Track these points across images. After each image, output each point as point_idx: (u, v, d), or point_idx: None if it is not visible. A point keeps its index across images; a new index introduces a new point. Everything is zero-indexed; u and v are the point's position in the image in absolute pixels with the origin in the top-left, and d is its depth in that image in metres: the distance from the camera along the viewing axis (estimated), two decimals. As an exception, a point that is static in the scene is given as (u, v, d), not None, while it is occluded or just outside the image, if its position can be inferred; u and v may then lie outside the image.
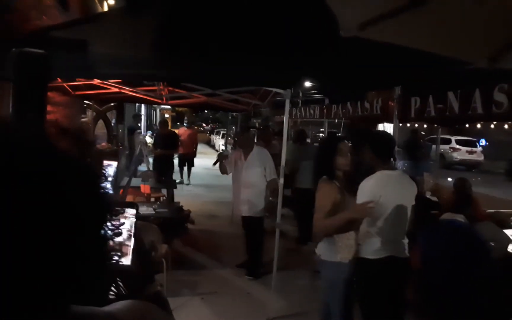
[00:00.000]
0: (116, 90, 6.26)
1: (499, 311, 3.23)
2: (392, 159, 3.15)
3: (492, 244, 3.69)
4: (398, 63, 3.26)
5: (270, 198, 5.09)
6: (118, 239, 0.79)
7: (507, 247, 3.93)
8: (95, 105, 9.29)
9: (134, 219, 0.94)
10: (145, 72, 4.24)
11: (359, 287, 3.02)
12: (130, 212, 0.93)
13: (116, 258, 0.59)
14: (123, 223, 0.67)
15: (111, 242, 0.58)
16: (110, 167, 3.05)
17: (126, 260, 0.91)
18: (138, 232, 0.97)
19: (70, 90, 6.09)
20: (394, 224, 2.97)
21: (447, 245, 3.63)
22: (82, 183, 0.53)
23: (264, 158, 5.10)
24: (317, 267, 3.18)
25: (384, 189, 2.90)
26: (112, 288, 0.91)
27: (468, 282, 3.44)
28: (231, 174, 5.57)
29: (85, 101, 8.64)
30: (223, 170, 5.58)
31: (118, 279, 0.88)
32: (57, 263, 0.48)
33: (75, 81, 5.73)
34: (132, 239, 0.93)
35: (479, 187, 8.02)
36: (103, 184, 0.58)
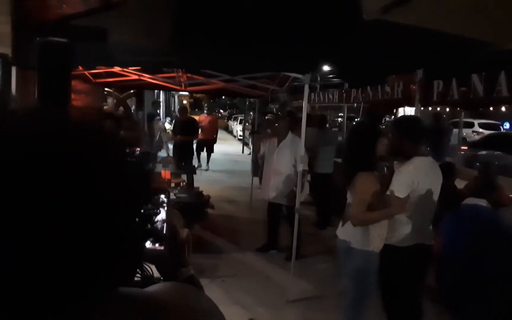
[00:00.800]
0: (136, 77, 6.32)
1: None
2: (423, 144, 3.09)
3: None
4: (420, 46, 3.19)
5: (294, 188, 5.05)
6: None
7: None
8: (115, 92, 9.42)
9: (166, 205, 0.97)
10: (165, 59, 4.27)
11: (385, 275, 3.01)
12: (162, 197, 0.96)
13: (151, 243, 0.61)
14: (160, 210, 0.69)
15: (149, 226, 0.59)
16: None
17: (160, 245, 0.94)
18: (170, 217, 1.00)
19: (91, 78, 6.19)
20: (424, 212, 2.93)
21: (469, 230, 3.58)
22: (122, 164, 0.54)
23: (296, 146, 5.07)
24: (340, 254, 3.05)
25: (421, 177, 2.86)
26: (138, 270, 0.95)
27: (490, 267, 3.39)
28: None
29: (106, 88, 8.77)
30: (257, 147, 5.75)
31: (144, 262, 0.91)
32: (102, 242, 0.49)
33: (95, 69, 5.81)
34: (165, 224, 0.95)
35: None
36: (144, 166, 0.59)
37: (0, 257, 0.44)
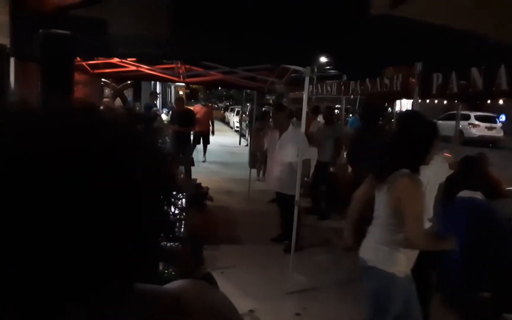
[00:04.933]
0: (134, 68, 6.30)
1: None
2: None
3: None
4: (420, 39, 3.20)
5: (305, 179, 5.08)
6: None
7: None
8: (112, 83, 9.36)
9: (184, 202, 0.98)
10: (164, 51, 4.25)
11: None
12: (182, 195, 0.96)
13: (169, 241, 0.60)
14: (183, 206, 0.68)
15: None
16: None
17: (178, 243, 0.95)
18: (188, 215, 1.01)
19: (89, 69, 6.16)
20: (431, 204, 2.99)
21: (465, 222, 3.62)
22: (146, 158, 0.53)
23: (298, 138, 5.08)
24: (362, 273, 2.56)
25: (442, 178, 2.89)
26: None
27: (485, 259, 3.44)
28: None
29: (103, 79, 8.72)
30: (260, 144, 5.93)
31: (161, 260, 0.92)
32: (120, 239, 0.48)
33: (94, 60, 5.79)
34: (183, 222, 0.96)
35: (498, 164, 7.88)
36: (168, 159, 0.59)
37: (23, 249, 0.43)
